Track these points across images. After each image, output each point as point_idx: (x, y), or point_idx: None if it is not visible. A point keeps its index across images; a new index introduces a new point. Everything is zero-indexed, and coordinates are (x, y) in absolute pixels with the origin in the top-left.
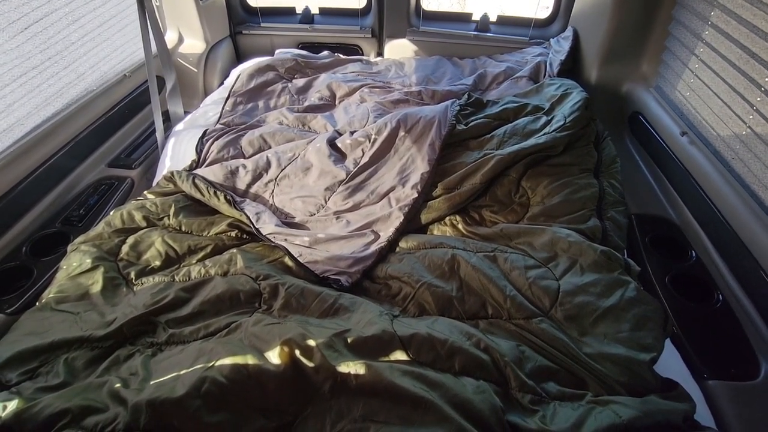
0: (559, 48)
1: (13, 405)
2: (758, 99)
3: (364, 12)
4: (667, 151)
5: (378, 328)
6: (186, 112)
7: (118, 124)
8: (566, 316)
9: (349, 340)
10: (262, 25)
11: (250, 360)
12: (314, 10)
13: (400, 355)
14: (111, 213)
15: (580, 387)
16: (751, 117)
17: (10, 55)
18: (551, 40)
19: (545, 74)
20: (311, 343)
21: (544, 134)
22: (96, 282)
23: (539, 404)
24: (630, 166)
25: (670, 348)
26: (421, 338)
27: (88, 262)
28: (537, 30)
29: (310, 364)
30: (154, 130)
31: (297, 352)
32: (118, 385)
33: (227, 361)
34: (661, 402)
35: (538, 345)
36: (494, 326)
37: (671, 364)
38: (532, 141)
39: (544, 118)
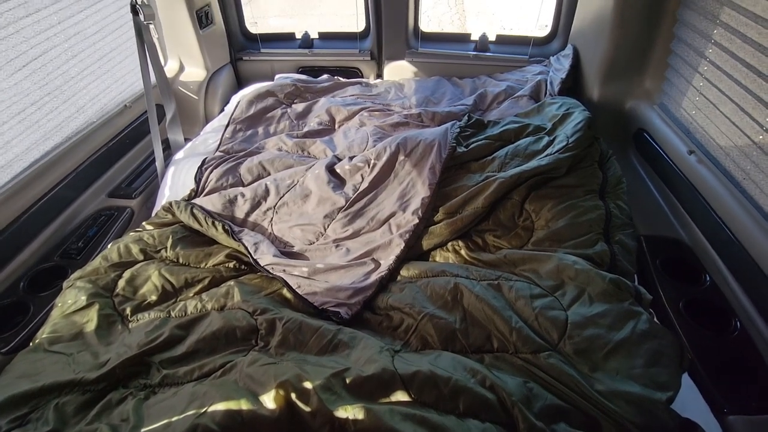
0: (560, 66)
1: None
2: (767, 119)
3: (363, 35)
4: (675, 170)
5: (378, 366)
6: (187, 140)
7: (119, 154)
8: (576, 350)
9: (347, 381)
10: (262, 50)
11: (243, 405)
12: (313, 35)
13: (401, 396)
14: (108, 246)
15: (593, 428)
16: (761, 137)
17: (8, 93)
18: (551, 58)
19: (546, 93)
20: (308, 385)
21: (546, 155)
22: (90, 320)
23: None
24: (636, 184)
25: (687, 381)
26: (424, 377)
27: (83, 300)
28: (536, 48)
29: (307, 409)
30: (154, 159)
31: (293, 396)
32: None
33: (220, 406)
34: None
35: (547, 381)
36: (500, 360)
37: (688, 398)
38: (534, 163)
39: (546, 139)
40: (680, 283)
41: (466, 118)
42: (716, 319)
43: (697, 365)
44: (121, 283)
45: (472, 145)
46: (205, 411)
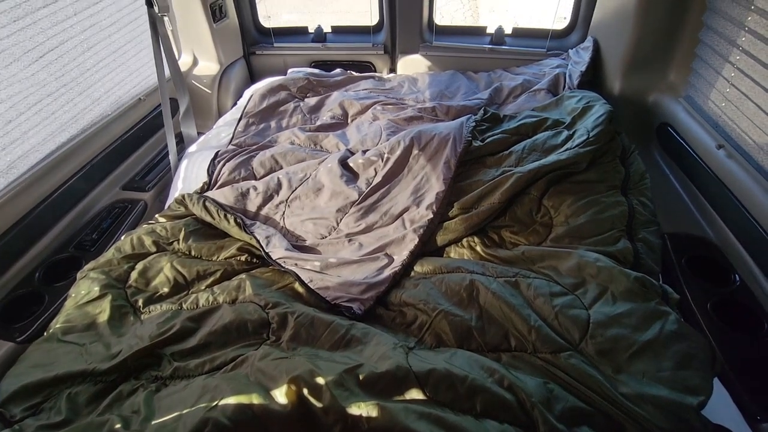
0: (579, 59)
1: None
2: None
3: (377, 29)
4: (702, 165)
5: (392, 363)
6: (200, 134)
7: (133, 147)
8: (598, 351)
9: (360, 377)
10: (275, 45)
11: (255, 399)
12: (326, 29)
13: (415, 394)
14: (122, 238)
15: None
16: None
17: (25, 84)
18: (570, 51)
19: (565, 86)
20: (320, 381)
21: (566, 150)
22: (103, 311)
23: None
24: (660, 181)
25: (718, 386)
26: (439, 375)
27: (96, 290)
28: (554, 41)
29: (319, 405)
30: (167, 153)
31: (305, 391)
32: (118, 425)
33: (231, 400)
34: None
35: (568, 383)
36: (518, 360)
37: (719, 404)
38: (553, 157)
39: (565, 133)
40: (708, 283)
41: (481, 111)
42: (747, 321)
43: (727, 369)
44: (134, 274)
45: (488, 140)
46: (216, 404)
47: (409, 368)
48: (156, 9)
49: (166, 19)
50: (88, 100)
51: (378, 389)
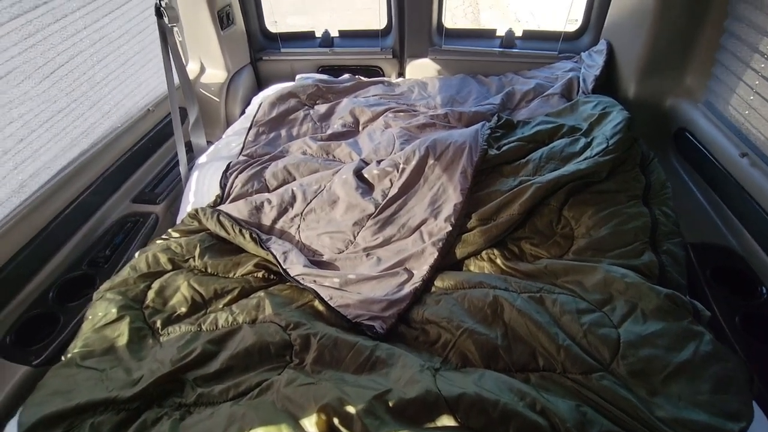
0: (592, 62)
1: None
2: None
3: (385, 32)
4: (724, 173)
5: (421, 387)
6: (209, 143)
7: (143, 159)
8: (630, 372)
9: (390, 404)
10: (282, 50)
11: (284, 430)
12: (334, 33)
13: (447, 421)
14: (136, 255)
15: None
16: None
17: (36, 101)
18: (582, 54)
19: (578, 91)
20: (350, 409)
21: (585, 159)
22: (122, 334)
23: None
24: (679, 188)
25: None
26: (470, 400)
27: (113, 312)
28: (566, 44)
29: None
30: (176, 163)
31: (336, 421)
32: None
33: (260, 431)
34: None
35: (601, 405)
36: (548, 381)
37: (754, 423)
38: (572, 167)
39: (583, 140)
40: (735, 297)
41: (495, 118)
42: None
43: (761, 387)
44: (151, 294)
45: (504, 148)
46: None
47: (438, 393)
48: (166, 20)
49: (175, 29)
50: (98, 113)
51: (408, 416)
